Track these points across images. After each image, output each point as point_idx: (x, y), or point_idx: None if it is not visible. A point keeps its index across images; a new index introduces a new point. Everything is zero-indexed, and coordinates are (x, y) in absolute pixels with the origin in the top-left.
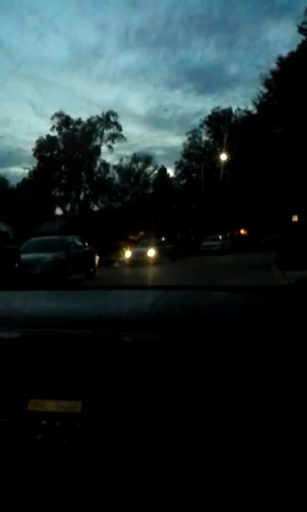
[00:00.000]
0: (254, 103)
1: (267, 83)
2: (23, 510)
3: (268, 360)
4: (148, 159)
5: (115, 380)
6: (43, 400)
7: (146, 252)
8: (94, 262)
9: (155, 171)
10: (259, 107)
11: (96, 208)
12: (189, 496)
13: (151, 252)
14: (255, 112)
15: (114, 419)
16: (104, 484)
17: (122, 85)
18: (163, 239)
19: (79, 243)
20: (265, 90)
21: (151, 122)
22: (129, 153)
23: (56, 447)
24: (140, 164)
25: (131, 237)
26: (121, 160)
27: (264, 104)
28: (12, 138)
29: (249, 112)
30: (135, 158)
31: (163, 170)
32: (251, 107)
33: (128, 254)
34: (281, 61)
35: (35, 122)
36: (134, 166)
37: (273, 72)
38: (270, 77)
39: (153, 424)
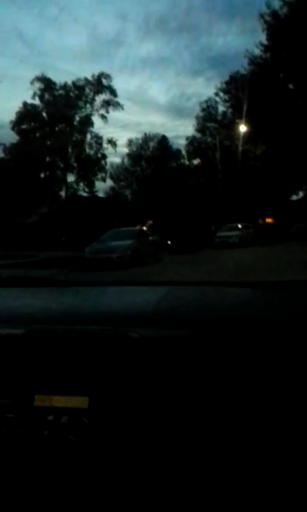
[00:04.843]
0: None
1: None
2: (31, 504)
3: (276, 357)
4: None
5: (122, 375)
6: (50, 395)
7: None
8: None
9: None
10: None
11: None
12: (194, 491)
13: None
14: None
15: (121, 415)
16: (111, 479)
17: (143, 74)
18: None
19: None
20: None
21: (173, 111)
22: (152, 143)
23: (63, 443)
24: (151, 145)
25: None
26: (129, 143)
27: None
28: None
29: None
30: (146, 139)
31: (163, 139)
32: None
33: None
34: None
35: None
36: (145, 147)
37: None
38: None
39: (160, 420)
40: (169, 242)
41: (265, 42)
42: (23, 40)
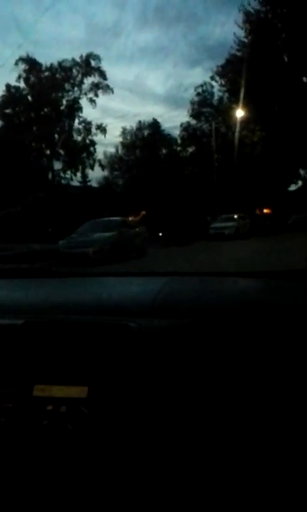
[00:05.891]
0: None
1: None
2: (29, 495)
3: (276, 346)
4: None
5: (121, 365)
6: (49, 385)
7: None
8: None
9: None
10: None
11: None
12: (193, 481)
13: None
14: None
15: (120, 405)
16: (110, 469)
17: (141, 64)
18: (131, 218)
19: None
20: None
21: (171, 101)
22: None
23: (62, 432)
24: (146, 133)
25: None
26: (123, 131)
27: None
28: None
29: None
30: (140, 127)
31: (154, 123)
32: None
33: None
34: None
35: None
36: (139, 135)
37: None
38: None
39: (160, 410)
40: (160, 234)
41: None
42: (20, 29)
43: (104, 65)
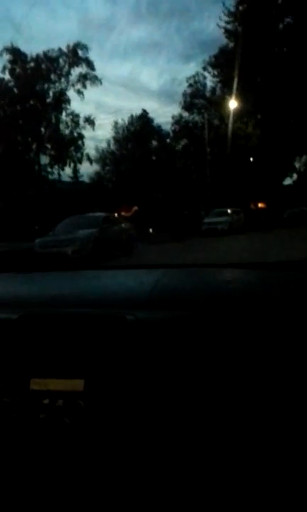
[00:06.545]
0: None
1: None
2: (26, 488)
3: (274, 337)
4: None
5: (117, 358)
6: (45, 378)
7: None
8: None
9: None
10: None
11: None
12: (191, 474)
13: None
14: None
15: (116, 398)
16: (107, 462)
17: (135, 60)
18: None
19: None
20: None
21: (165, 96)
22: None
23: (58, 426)
24: (138, 126)
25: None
26: (115, 125)
27: None
28: None
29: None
30: (132, 121)
31: (143, 114)
32: None
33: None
34: None
35: None
36: (131, 128)
37: None
38: None
39: (156, 403)
40: (151, 230)
41: None
42: (13, 24)
43: (98, 61)
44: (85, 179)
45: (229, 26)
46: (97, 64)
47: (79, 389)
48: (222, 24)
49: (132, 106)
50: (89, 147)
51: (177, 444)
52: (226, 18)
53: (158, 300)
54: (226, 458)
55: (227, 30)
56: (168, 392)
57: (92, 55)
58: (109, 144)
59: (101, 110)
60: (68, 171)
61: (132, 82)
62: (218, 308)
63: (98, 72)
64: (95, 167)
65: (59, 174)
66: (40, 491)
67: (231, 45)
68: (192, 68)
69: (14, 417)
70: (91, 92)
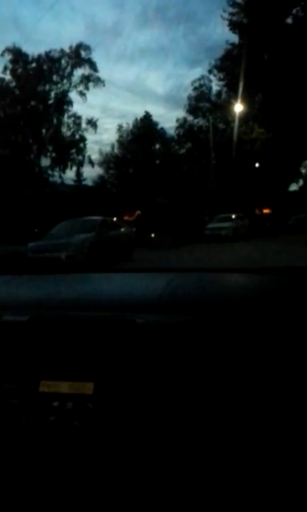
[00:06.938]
0: None
1: None
2: (35, 490)
3: (281, 342)
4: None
5: (127, 361)
6: (55, 381)
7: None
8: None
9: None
10: None
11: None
12: (196, 478)
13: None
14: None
15: (125, 401)
16: (116, 465)
17: (141, 64)
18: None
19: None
20: None
21: (171, 101)
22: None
23: (68, 428)
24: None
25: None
26: (119, 128)
27: None
28: None
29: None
30: (137, 124)
31: (146, 116)
32: None
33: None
34: None
35: None
36: (136, 132)
37: None
38: None
39: (165, 406)
40: (153, 235)
41: None
42: (20, 29)
43: (105, 65)
44: (89, 183)
45: (234, 18)
46: (103, 68)
47: (89, 392)
48: (226, 16)
49: (138, 110)
50: (95, 151)
51: (186, 448)
52: (230, 9)
53: (168, 304)
54: (233, 459)
55: (231, 23)
56: (177, 395)
57: (99, 60)
58: (113, 148)
59: (107, 114)
60: (71, 174)
61: (138, 86)
62: (228, 313)
63: (104, 77)
64: (99, 171)
65: (60, 177)
66: (48, 493)
67: (236, 51)
68: (198, 73)
69: (24, 419)
70: (97, 96)
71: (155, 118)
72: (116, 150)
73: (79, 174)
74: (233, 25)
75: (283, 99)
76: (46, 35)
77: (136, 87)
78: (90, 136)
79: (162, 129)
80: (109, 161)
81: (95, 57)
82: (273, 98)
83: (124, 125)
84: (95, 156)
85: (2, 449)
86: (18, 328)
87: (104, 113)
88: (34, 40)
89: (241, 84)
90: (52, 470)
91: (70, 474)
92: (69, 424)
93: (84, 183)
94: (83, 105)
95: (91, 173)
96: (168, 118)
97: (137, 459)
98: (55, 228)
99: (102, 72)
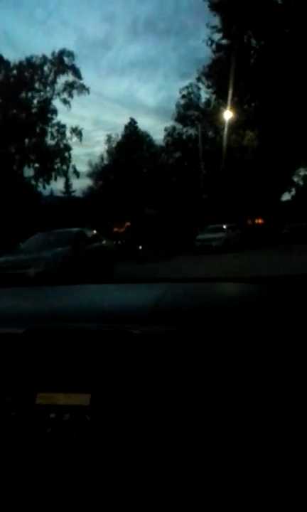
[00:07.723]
0: None
1: None
2: (34, 503)
3: (278, 352)
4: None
5: (123, 372)
6: (52, 393)
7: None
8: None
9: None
10: None
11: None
12: (195, 488)
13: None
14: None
15: (123, 412)
16: (113, 477)
17: (132, 77)
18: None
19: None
20: None
21: (162, 113)
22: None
23: (65, 440)
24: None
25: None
26: (108, 139)
27: None
28: None
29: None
30: (126, 135)
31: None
32: None
33: None
34: None
35: None
36: (123, 141)
37: None
38: None
39: (162, 417)
40: (140, 248)
41: None
42: (11, 43)
43: (96, 79)
44: (79, 194)
45: (222, 41)
46: (94, 81)
47: (86, 403)
48: (210, 39)
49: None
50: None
51: (184, 460)
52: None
53: (163, 314)
54: (231, 469)
55: (216, 44)
56: (174, 406)
57: (90, 73)
58: (102, 159)
59: (99, 127)
60: (60, 185)
61: (129, 99)
62: (224, 323)
63: (96, 90)
64: (89, 182)
65: (44, 187)
66: (47, 505)
67: (223, 54)
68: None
69: (21, 432)
70: (88, 109)
71: (146, 130)
72: (105, 161)
73: (67, 185)
74: (218, 48)
75: (274, 106)
76: (37, 50)
77: (126, 99)
78: (81, 149)
79: (149, 137)
80: (98, 172)
81: (86, 70)
82: (264, 105)
83: (113, 136)
84: (85, 168)
85: (0, 462)
86: (14, 341)
87: (96, 125)
88: (25, 54)
89: (230, 92)
90: (50, 482)
91: (68, 486)
92: (67, 435)
93: (73, 194)
94: (75, 118)
95: (81, 184)
96: (159, 130)
97: (135, 470)
98: (26, 242)
99: (93, 86)
